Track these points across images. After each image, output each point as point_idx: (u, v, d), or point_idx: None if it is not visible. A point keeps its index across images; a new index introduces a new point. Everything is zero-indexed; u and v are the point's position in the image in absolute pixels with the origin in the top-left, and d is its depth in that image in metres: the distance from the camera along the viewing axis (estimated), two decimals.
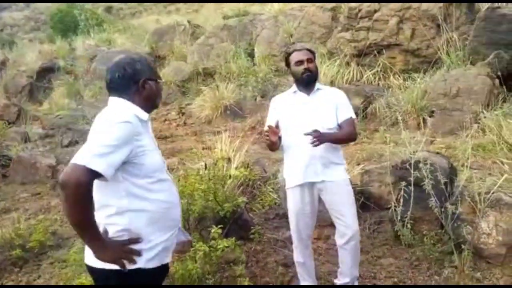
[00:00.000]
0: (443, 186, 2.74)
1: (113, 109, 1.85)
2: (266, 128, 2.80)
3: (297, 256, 2.84)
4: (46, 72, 12.07)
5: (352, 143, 5.40)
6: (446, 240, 2.85)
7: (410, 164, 2.88)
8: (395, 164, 3.22)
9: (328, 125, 2.71)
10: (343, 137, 2.79)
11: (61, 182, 1.64)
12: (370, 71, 7.00)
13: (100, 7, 26.68)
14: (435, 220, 3.03)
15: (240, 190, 3.62)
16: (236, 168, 3.77)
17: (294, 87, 2.84)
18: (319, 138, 2.54)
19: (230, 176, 3.43)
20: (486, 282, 2.64)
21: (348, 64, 7.25)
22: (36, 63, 12.79)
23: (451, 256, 2.80)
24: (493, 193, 2.76)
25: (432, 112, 5.70)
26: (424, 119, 5.65)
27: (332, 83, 7.06)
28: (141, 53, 9.50)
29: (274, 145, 2.69)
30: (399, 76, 6.77)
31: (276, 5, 10.15)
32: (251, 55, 9.26)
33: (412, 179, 2.76)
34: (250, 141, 6.15)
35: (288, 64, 2.85)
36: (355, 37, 7.29)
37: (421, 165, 2.81)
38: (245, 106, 7.64)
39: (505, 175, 2.97)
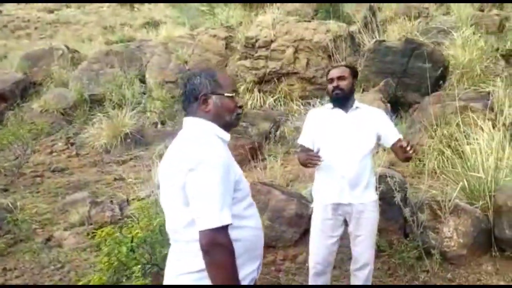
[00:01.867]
0: (411, 198, 3.00)
1: (193, 134, 1.71)
2: (300, 141, 2.83)
3: (313, 280, 2.76)
4: None
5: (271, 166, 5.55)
6: (415, 246, 3.10)
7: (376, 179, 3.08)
8: None
9: (364, 147, 2.67)
10: None
11: (206, 251, 1.52)
12: (272, 97, 7.31)
13: None
14: (398, 230, 3.28)
15: None
16: None
17: (330, 103, 2.80)
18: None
19: None
20: (457, 282, 2.94)
21: (249, 90, 7.47)
22: None
23: (421, 261, 3.06)
24: (449, 200, 3.11)
25: None
26: None
27: None
28: (209, 67, 8.46)
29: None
30: (298, 101, 7.18)
31: (164, 32, 10.06)
32: (142, 81, 8.98)
33: (378, 192, 2.96)
34: None
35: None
36: (254, 65, 7.57)
37: (388, 179, 3.04)
38: (146, 133, 7.34)
39: (460, 183, 3.37)
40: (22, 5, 34.48)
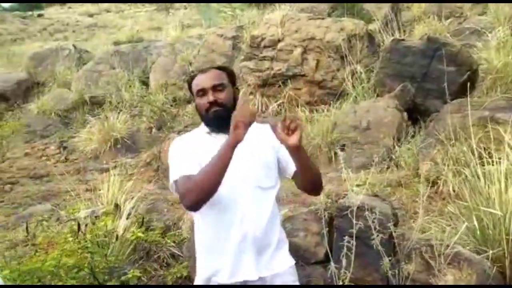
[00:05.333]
0: (395, 240, 2.20)
1: None
2: (184, 171, 1.74)
3: None
4: None
5: None
6: None
7: (352, 212, 2.29)
8: (323, 210, 2.64)
9: (267, 185, 1.82)
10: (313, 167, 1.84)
11: None
12: (276, 102, 6.58)
13: None
14: (379, 281, 2.49)
15: (130, 248, 2.76)
16: (127, 218, 2.89)
17: (203, 126, 1.91)
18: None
19: (117, 237, 2.53)
20: None
21: (252, 94, 6.78)
22: None
23: None
24: (448, 245, 2.28)
25: (344, 145, 5.35)
26: (335, 153, 5.27)
27: None
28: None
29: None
30: (305, 108, 6.42)
31: (173, 32, 9.53)
32: (145, 83, 8.46)
33: (354, 230, 2.18)
34: (145, 179, 5.32)
35: (192, 93, 1.93)
36: (258, 66, 6.87)
37: (366, 213, 2.24)
38: (139, 139, 6.76)
39: (465, 224, 2.52)
40: (64, 9, 35.53)
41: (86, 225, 2.38)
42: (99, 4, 34.27)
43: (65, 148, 7.29)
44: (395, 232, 2.20)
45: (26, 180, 5.80)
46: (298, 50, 6.69)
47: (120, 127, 6.77)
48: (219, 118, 1.80)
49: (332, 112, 5.90)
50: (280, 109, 6.50)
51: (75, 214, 2.34)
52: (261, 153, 1.85)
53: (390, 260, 2.28)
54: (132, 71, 8.53)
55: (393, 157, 4.97)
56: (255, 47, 7.02)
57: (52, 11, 34.37)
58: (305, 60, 6.65)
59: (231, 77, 1.91)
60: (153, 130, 7.00)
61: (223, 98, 1.81)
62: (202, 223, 1.84)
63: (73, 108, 8.24)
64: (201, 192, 1.65)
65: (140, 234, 2.50)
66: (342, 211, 2.52)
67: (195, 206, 1.70)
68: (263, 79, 6.74)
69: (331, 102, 6.29)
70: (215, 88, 1.81)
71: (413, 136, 5.21)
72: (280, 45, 6.83)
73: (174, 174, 1.78)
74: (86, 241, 2.19)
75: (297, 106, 6.47)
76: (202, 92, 1.83)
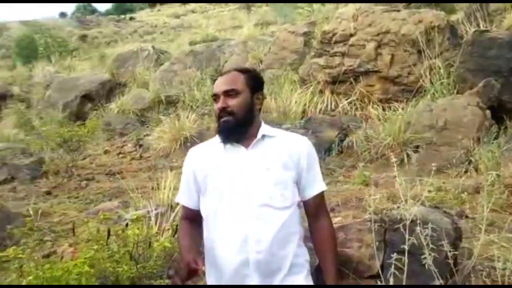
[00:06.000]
0: (450, 261, 1.93)
1: None
2: (179, 199, 1.82)
3: None
4: None
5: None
6: None
7: (404, 225, 2.04)
8: (379, 222, 2.40)
9: (281, 203, 1.62)
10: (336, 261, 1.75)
11: None
12: (346, 99, 6.30)
13: (75, 36, 26.34)
14: None
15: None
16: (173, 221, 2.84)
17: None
18: None
19: (149, 244, 2.46)
20: None
21: (321, 92, 6.55)
22: None
23: None
24: None
25: (417, 147, 4.98)
26: (408, 155, 4.92)
27: (304, 113, 6.35)
28: None
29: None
30: (378, 105, 6.08)
31: (246, 30, 9.54)
32: None
33: (406, 247, 1.95)
34: None
35: None
36: (329, 62, 6.62)
37: (418, 228, 1.99)
38: (207, 137, 6.78)
39: None
40: (154, 12, 37.46)
41: (123, 230, 2.37)
42: (186, 5, 35.63)
43: (140, 146, 7.56)
44: (450, 251, 1.93)
45: (101, 177, 6.09)
46: (371, 45, 6.34)
47: (190, 126, 6.87)
48: (227, 129, 1.66)
49: (406, 110, 5.53)
50: (351, 107, 6.21)
51: (106, 219, 2.34)
52: (278, 169, 1.65)
53: (445, 282, 2.01)
54: (205, 70, 8.65)
55: (472, 160, 4.53)
56: (326, 43, 6.79)
57: (143, 14, 36.35)
58: (379, 55, 6.29)
59: (253, 81, 1.74)
60: None
61: (233, 105, 1.66)
62: (207, 238, 1.71)
63: (149, 107, 8.55)
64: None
65: (167, 244, 2.43)
66: (394, 223, 2.28)
67: None
68: (334, 75, 6.49)
69: (407, 99, 5.90)
70: (227, 94, 1.67)
71: (496, 138, 4.71)
72: (352, 40, 6.53)
73: (178, 194, 1.87)
74: (113, 250, 2.17)
75: (369, 104, 6.16)
76: (215, 97, 1.72)
